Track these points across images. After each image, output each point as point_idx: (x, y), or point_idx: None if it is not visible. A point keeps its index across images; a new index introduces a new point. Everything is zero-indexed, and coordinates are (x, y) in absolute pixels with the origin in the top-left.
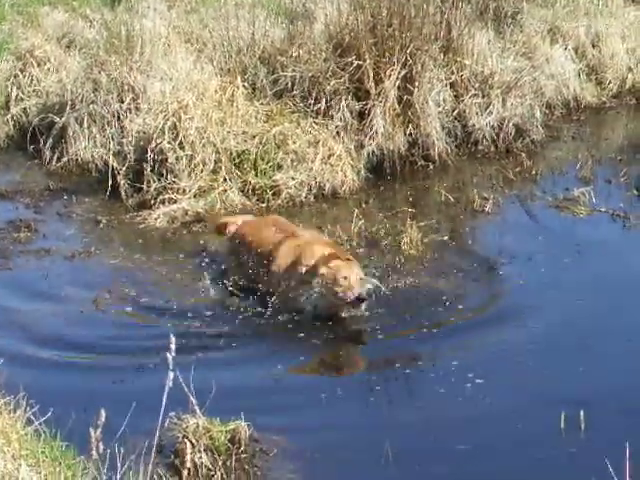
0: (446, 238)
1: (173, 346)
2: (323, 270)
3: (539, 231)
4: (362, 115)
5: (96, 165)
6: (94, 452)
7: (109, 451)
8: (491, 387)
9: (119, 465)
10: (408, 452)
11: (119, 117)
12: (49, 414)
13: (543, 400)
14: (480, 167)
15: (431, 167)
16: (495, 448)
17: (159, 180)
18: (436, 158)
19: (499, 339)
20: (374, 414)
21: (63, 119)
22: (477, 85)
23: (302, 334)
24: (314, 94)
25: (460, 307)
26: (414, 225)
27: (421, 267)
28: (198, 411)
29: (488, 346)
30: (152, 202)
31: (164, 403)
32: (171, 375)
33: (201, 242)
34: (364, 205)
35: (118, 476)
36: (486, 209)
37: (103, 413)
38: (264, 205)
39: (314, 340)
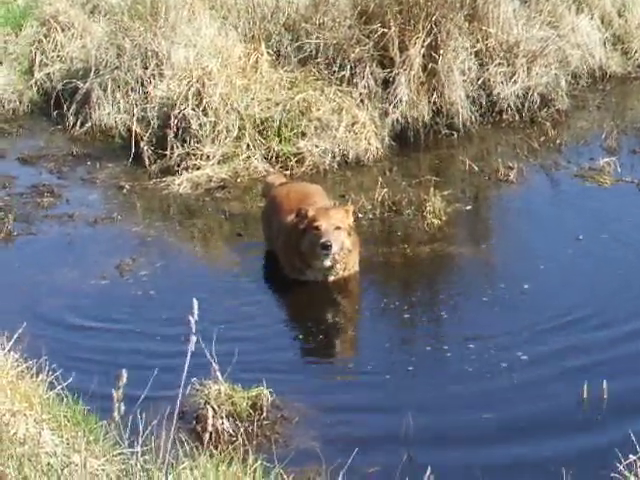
0: (470, 207)
1: (196, 310)
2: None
3: (563, 201)
4: (386, 83)
5: (119, 131)
6: (116, 413)
7: (131, 416)
8: (513, 358)
9: (141, 430)
10: (429, 421)
11: (143, 83)
12: (71, 379)
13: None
14: (504, 136)
15: (455, 136)
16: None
17: (182, 146)
18: (460, 127)
19: (519, 314)
20: (396, 387)
21: (87, 85)
22: (502, 54)
23: (325, 307)
24: (338, 62)
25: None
26: (437, 194)
27: (444, 235)
28: (220, 377)
29: (510, 319)
30: (175, 168)
31: (186, 367)
32: (193, 339)
33: (225, 208)
34: (388, 173)
35: (140, 440)
36: (510, 178)
37: (125, 374)
38: (288, 172)
39: (337, 314)
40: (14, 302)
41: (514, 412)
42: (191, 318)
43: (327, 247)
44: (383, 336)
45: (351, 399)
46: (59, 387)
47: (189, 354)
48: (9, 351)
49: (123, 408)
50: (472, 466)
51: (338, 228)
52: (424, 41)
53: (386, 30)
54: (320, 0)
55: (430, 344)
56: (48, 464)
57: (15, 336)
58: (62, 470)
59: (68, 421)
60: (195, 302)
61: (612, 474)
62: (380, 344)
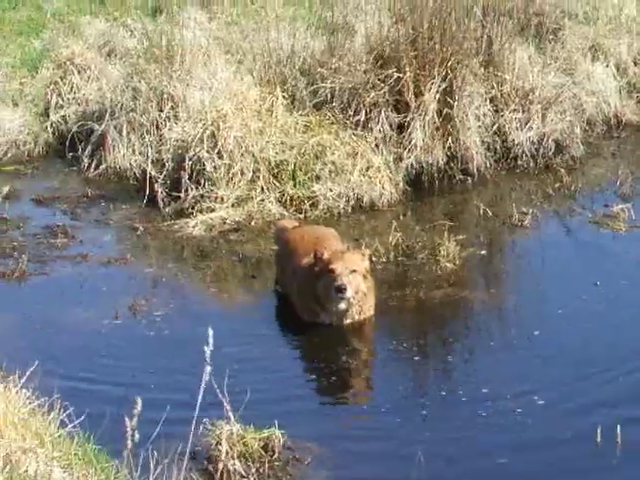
0: (484, 252)
1: (211, 340)
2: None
3: (578, 246)
4: (401, 128)
5: (134, 173)
6: (129, 441)
7: (142, 455)
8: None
9: (152, 468)
10: (442, 460)
11: (158, 125)
12: (83, 417)
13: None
14: (519, 182)
15: (469, 181)
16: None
17: (197, 189)
18: (475, 172)
19: (534, 355)
20: (409, 424)
21: (102, 127)
22: (517, 100)
23: (338, 350)
24: (353, 106)
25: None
26: (451, 238)
27: (457, 280)
28: (232, 418)
29: (524, 361)
30: (189, 211)
31: (199, 400)
32: (208, 369)
33: (239, 251)
34: (402, 217)
35: (151, 478)
36: (524, 223)
37: (139, 402)
38: (302, 216)
39: (350, 357)
40: (27, 340)
41: (528, 457)
42: (206, 348)
43: (342, 290)
44: (396, 380)
45: (364, 442)
46: (70, 425)
47: (203, 382)
48: (21, 388)
49: (137, 437)
50: None
51: (354, 271)
52: (439, 86)
53: (401, 75)
54: (336, 45)
55: (444, 389)
56: None
57: (27, 374)
58: None
59: (79, 459)
60: (210, 332)
61: None
62: (393, 388)
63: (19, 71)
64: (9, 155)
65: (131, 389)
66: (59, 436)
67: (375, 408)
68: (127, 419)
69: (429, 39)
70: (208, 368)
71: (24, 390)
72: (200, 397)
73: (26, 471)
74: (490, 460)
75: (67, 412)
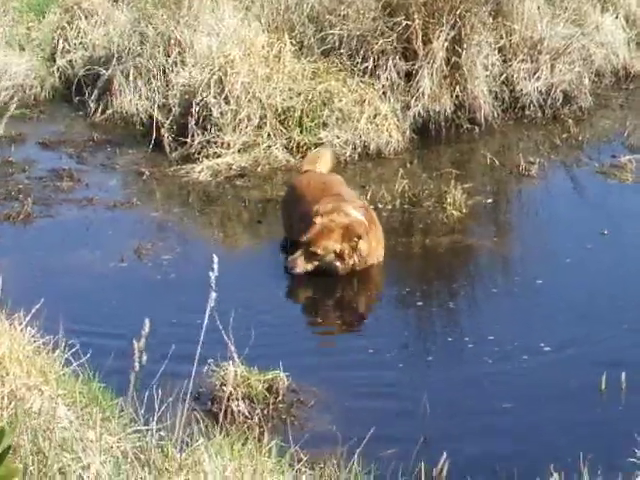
0: (490, 201)
1: (215, 266)
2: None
3: (585, 196)
4: (409, 76)
5: (140, 118)
6: (136, 364)
7: (147, 393)
8: (531, 348)
9: (156, 407)
10: (446, 406)
11: (165, 71)
12: (87, 356)
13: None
14: (526, 132)
15: (477, 130)
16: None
17: (203, 134)
18: (482, 121)
19: (535, 303)
20: (413, 370)
21: (109, 72)
22: (526, 50)
23: (344, 295)
24: (361, 53)
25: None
26: (458, 186)
27: (464, 228)
28: (237, 359)
29: (529, 310)
30: (196, 156)
31: (204, 330)
32: (213, 295)
33: (245, 196)
34: (408, 165)
35: (155, 417)
36: (531, 173)
37: (148, 323)
38: None
39: (355, 302)
40: (32, 281)
41: (534, 403)
42: (211, 273)
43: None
44: (402, 326)
45: (368, 386)
46: (75, 364)
47: (208, 309)
48: (26, 326)
49: (145, 358)
50: (488, 453)
51: (314, 254)
52: (448, 34)
53: (410, 23)
54: None
55: (449, 335)
56: (63, 438)
57: (32, 312)
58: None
59: (83, 397)
60: (215, 258)
61: (630, 459)
62: (399, 333)
63: (26, 15)
64: (15, 99)
65: (136, 328)
66: (64, 374)
67: (380, 353)
68: (135, 341)
69: None
70: (213, 294)
71: (29, 328)
72: (204, 328)
73: (30, 407)
74: (496, 405)
75: (72, 351)
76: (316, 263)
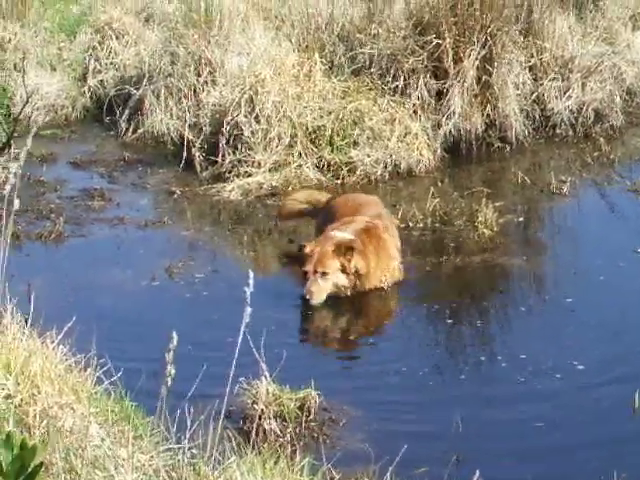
0: (522, 219)
1: (251, 281)
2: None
3: (617, 214)
4: (440, 94)
5: (171, 137)
6: (167, 377)
7: (179, 411)
8: (564, 367)
9: (188, 425)
10: (479, 425)
11: (195, 90)
12: (119, 374)
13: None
14: (557, 150)
15: (508, 149)
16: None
17: (234, 153)
18: (513, 140)
19: (567, 322)
20: (446, 389)
21: (140, 91)
22: (557, 69)
23: (375, 315)
24: (392, 72)
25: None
26: (489, 205)
27: (495, 246)
28: (268, 377)
29: (560, 329)
30: (226, 175)
31: (238, 346)
32: (248, 310)
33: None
34: (439, 184)
35: (187, 435)
36: (563, 191)
37: (175, 336)
38: (339, 182)
39: (387, 322)
40: (64, 300)
41: (567, 422)
42: (246, 289)
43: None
44: (434, 344)
45: (400, 405)
46: (107, 382)
47: (243, 325)
48: (58, 345)
49: (173, 372)
50: (521, 473)
51: (324, 274)
52: (479, 53)
53: (441, 41)
54: (375, 11)
55: (482, 353)
56: (95, 456)
57: (64, 330)
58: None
59: (115, 415)
60: (251, 274)
61: None
62: (431, 352)
63: (57, 36)
64: (47, 119)
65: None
66: (95, 392)
67: (411, 372)
68: (166, 354)
69: (469, 5)
70: (248, 309)
71: (61, 346)
72: (239, 344)
73: (62, 425)
74: (528, 424)
75: (103, 369)
76: (329, 286)
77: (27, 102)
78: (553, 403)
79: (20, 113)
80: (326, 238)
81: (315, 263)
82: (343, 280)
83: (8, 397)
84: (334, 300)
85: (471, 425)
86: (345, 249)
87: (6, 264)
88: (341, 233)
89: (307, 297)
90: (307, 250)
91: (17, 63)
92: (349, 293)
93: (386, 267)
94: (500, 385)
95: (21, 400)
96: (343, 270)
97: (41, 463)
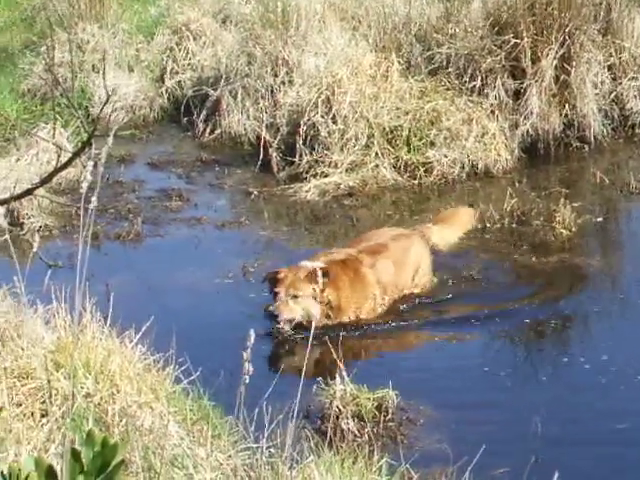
0: (600, 219)
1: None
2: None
3: None
4: (517, 94)
5: (248, 138)
6: (245, 374)
7: (256, 411)
8: None
9: (266, 425)
10: (559, 426)
11: (272, 90)
12: (197, 373)
13: None
14: (637, 150)
15: (586, 149)
16: None
17: (311, 153)
18: (591, 140)
19: None
20: (526, 390)
21: (217, 92)
22: (636, 68)
23: (454, 310)
24: (469, 72)
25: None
26: (567, 205)
27: (573, 246)
28: (346, 377)
29: (637, 330)
30: (303, 175)
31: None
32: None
33: (352, 216)
34: (517, 184)
35: (265, 434)
36: None
37: (253, 334)
38: (416, 182)
39: (466, 318)
40: (141, 298)
41: None
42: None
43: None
44: (513, 345)
45: (478, 405)
46: (185, 381)
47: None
48: (136, 344)
49: (251, 369)
50: (602, 474)
51: (295, 297)
52: (557, 52)
53: (518, 41)
54: (452, 10)
55: (564, 355)
56: (173, 455)
57: (142, 330)
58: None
59: (194, 415)
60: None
61: None
62: (511, 352)
63: (135, 37)
64: (125, 120)
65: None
66: (174, 391)
67: (491, 372)
68: (243, 352)
69: (547, 4)
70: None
71: (139, 346)
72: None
73: (142, 425)
74: (610, 426)
75: (182, 368)
76: (299, 310)
77: (107, 102)
78: (637, 406)
79: (100, 113)
80: (298, 266)
81: (287, 286)
82: (314, 307)
83: (88, 396)
84: (412, 298)
85: (551, 426)
86: (317, 276)
87: (86, 263)
88: (311, 263)
89: (275, 314)
90: (280, 275)
91: (95, 64)
92: (321, 324)
93: (361, 301)
94: (582, 387)
95: (100, 399)
96: (315, 297)
97: (122, 461)
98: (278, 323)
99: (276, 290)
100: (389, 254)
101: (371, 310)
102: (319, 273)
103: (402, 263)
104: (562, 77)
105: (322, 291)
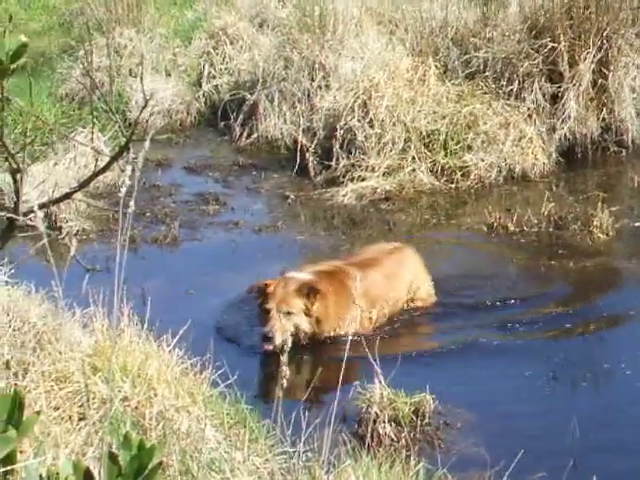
0: (638, 224)
1: (358, 283)
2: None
3: None
4: (555, 98)
5: (285, 142)
6: (283, 379)
7: (294, 415)
8: None
9: (303, 428)
10: (597, 431)
11: (309, 95)
12: (234, 377)
13: None
14: None
15: (624, 153)
16: None
17: (348, 158)
18: (629, 144)
19: None
20: (562, 395)
21: (254, 96)
22: None
23: (492, 316)
24: (507, 75)
25: None
26: (605, 209)
27: (610, 251)
28: (383, 382)
29: None
30: (340, 179)
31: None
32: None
33: (389, 220)
34: (554, 188)
35: (302, 439)
36: None
37: (289, 339)
38: (453, 186)
39: (503, 322)
40: (179, 302)
41: None
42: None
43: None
44: (553, 349)
45: (516, 409)
46: (222, 385)
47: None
48: (174, 348)
49: (288, 373)
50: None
51: (288, 313)
52: (594, 56)
53: (556, 45)
54: (489, 15)
55: (604, 360)
56: (211, 459)
57: (179, 333)
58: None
59: (231, 419)
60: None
61: None
62: (551, 357)
63: (172, 42)
64: (162, 124)
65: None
66: (211, 395)
67: (530, 378)
68: (281, 357)
69: (585, 8)
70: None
71: (176, 350)
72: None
73: (179, 428)
74: None
75: (219, 372)
76: (291, 327)
77: (145, 106)
78: None
79: (138, 117)
80: (286, 278)
81: (278, 301)
82: (305, 324)
83: (125, 399)
84: (448, 303)
85: (589, 432)
86: (308, 290)
87: (123, 267)
88: (300, 274)
89: (269, 336)
90: (269, 288)
91: (133, 69)
92: (306, 341)
93: (343, 313)
94: (621, 393)
95: (138, 402)
96: (306, 313)
97: (159, 463)
98: (270, 346)
99: (267, 307)
100: (379, 267)
101: (355, 322)
102: (312, 288)
103: (394, 276)
104: (599, 81)
105: (312, 304)
